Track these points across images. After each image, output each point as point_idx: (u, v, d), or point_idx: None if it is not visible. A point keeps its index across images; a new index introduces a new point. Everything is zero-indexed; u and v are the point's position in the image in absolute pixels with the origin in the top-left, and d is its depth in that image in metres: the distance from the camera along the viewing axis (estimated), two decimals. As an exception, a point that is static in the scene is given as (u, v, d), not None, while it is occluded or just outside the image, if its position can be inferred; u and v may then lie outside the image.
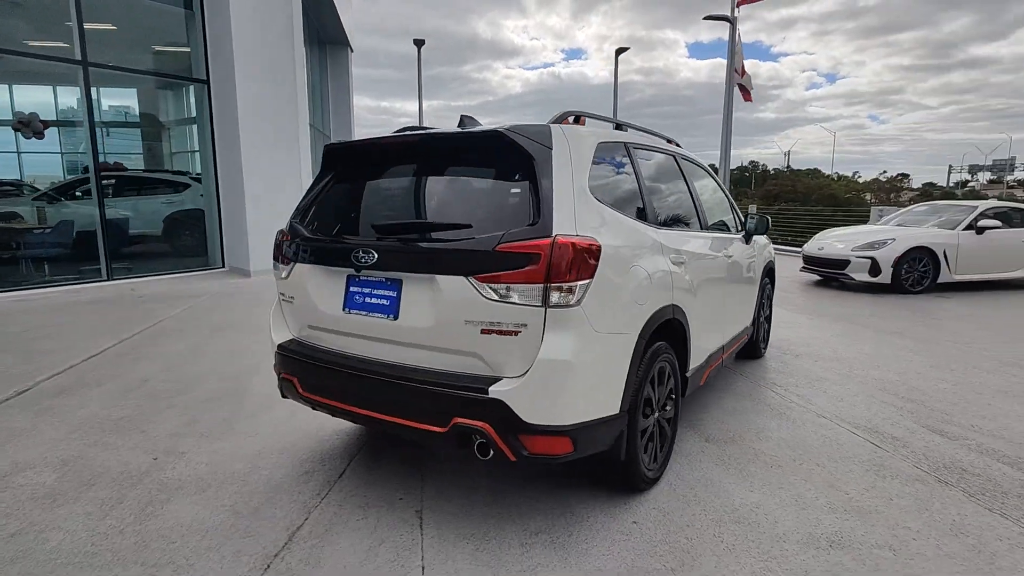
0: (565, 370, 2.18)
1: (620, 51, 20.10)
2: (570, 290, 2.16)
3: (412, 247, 2.41)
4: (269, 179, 9.46)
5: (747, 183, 60.64)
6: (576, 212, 2.31)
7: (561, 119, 2.72)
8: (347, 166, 2.92)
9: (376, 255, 2.43)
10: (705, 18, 15.76)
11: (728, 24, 16.80)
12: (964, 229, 8.73)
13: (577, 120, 2.84)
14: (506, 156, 2.39)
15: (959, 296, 8.55)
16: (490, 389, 2.19)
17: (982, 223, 8.75)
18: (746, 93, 15.60)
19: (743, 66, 15.40)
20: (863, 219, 17.07)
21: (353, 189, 2.86)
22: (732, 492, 2.83)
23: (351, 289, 2.60)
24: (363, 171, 2.83)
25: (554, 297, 2.15)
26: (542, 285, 2.14)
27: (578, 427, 2.25)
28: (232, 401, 4.02)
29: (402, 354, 2.45)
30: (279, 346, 2.87)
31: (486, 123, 2.71)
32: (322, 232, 2.78)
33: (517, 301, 2.17)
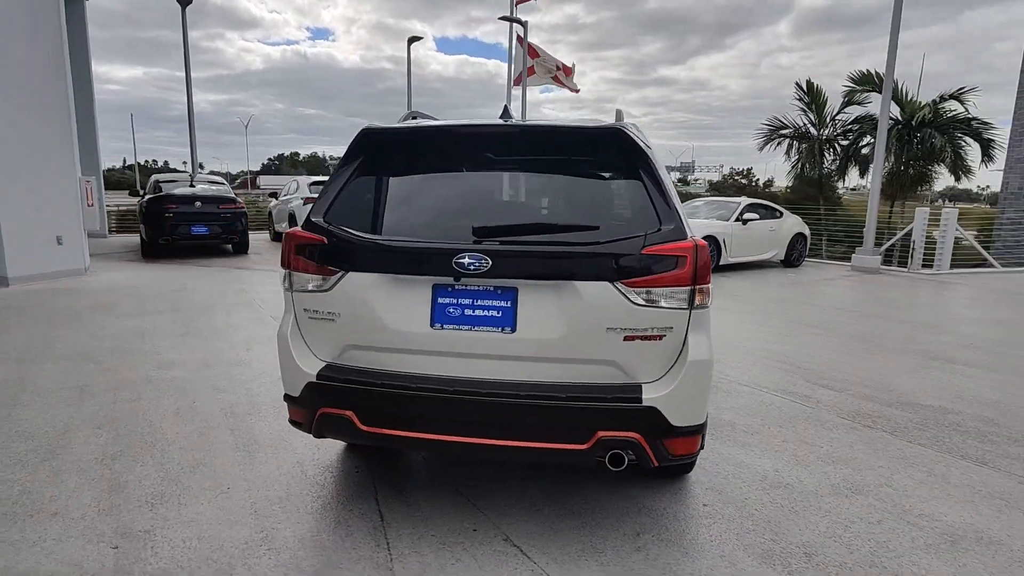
0: (707, 370, 2.24)
1: (412, 40, 19.84)
2: (705, 291, 2.22)
3: (538, 251, 2.19)
4: (30, 156, 7.24)
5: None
6: (685, 214, 2.36)
7: (619, 118, 2.72)
8: (403, 156, 2.50)
9: (490, 261, 2.15)
10: (500, 18, 16.49)
11: (509, 25, 17.81)
12: (735, 220, 10.80)
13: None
14: (619, 154, 2.32)
15: (734, 275, 10.57)
16: (643, 397, 2.14)
17: (746, 216, 10.93)
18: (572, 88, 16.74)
19: (563, 65, 16.45)
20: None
21: (419, 184, 2.47)
22: (748, 462, 3.19)
23: (440, 301, 2.25)
24: (430, 164, 2.46)
25: (697, 299, 2.19)
26: (690, 288, 2.16)
27: (704, 423, 2.33)
28: (146, 454, 3.11)
29: (521, 370, 2.22)
30: (319, 375, 2.34)
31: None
32: (378, 234, 2.33)
33: (665, 305, 2.15)
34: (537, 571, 2.25)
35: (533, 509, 2.67)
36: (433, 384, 2.22)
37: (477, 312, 2.23)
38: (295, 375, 2.41)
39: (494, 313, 2.22)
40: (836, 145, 15.49)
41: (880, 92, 14.46)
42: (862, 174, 15.35)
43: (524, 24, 16.15)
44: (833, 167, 15.81)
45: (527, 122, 2.50)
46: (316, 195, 12.98)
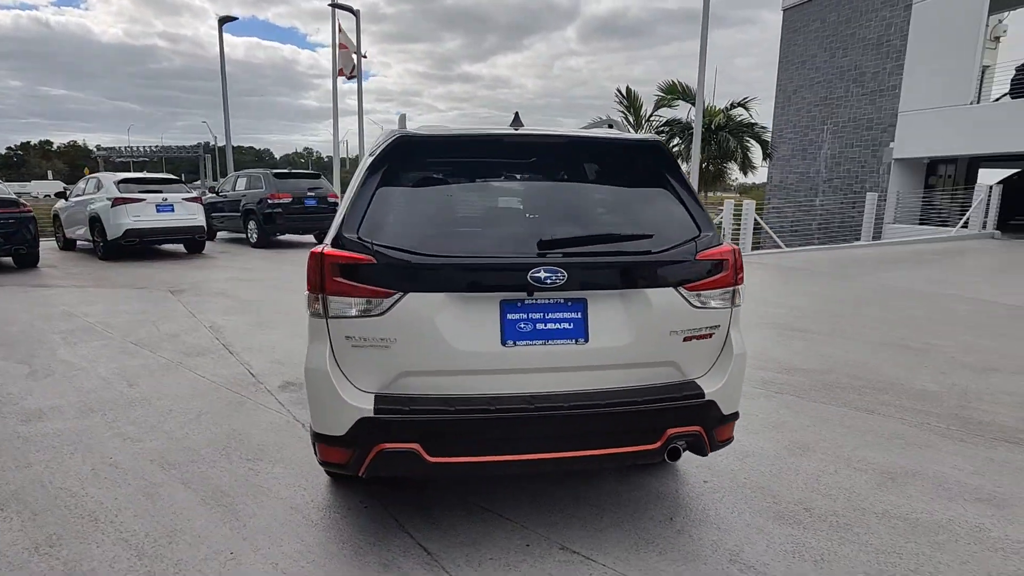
0: (745, 361, 2.49)
1: (224, 20, 17.65)
2: (740, 291, 2.47)
3: (609, 261, 2.25)
4: None
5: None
6: None
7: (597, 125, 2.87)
8: (442, 165, 2.39)
9: (566, 274, 2.15)
10: (330, 5, 15.53)
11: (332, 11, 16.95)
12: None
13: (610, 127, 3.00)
14: (656, 164, 2.46)
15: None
16: (705, 392, 2.32)
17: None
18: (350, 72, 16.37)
19: (348, 44, 15.98)
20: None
21: (461, 195, 2.37)
22: (713, 437, 3.57)
23: (510, 317, 2.20)
24: (471, 173, 2.39)
25: (736, 298, 2.42)
26: (732, 288, 2.39)
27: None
28: (95, 530, 2.54)
29: (593, 379, 2.27)
30: (377, 408, 2.13)
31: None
32: (429, 250, 2.18)
33: (714, 305, 2.35)
34: (611, 571, 2.32)
35: (567, 514, 2.72)
36: (513, 403, 2.17)
37: (549, 326, 2.22)
38: (339, 412, 2.16)
39: (566, 325, 2.22)
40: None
41: (684, 100, 16.71)
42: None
43: (356, 13, 15.43)
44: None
45: (570, 132, 2.53)
46: (128, 195, 11.28)
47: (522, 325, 2.21)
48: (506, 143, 2.43)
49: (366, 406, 2.14)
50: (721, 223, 13.31)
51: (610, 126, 2.99)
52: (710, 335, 2.38)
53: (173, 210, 11.44)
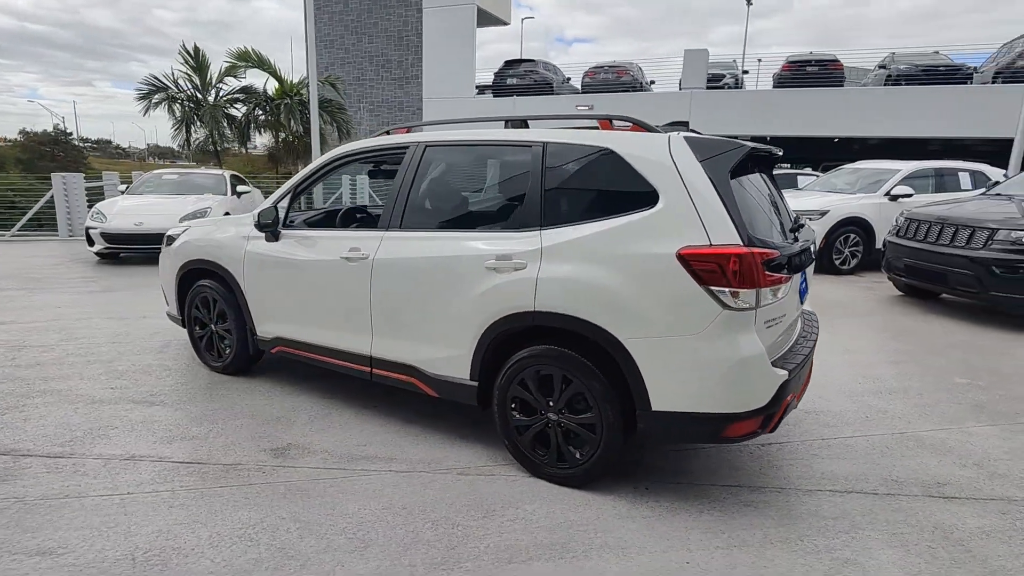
0: None
1: None
2: None
3: (808, 240, 3.22)
4: None
5: None
6: None
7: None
8: (745, 168, 2.88)
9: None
10: None
11: None
12: (232, 195, 10.13)
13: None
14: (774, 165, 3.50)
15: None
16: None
17: (239, 189, 10.39)
18: None
19: None
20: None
21: (747, 191, 2.88)
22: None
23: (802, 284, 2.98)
24: (745, 174, 2.94)
25: None
26: None
27: None
28: None
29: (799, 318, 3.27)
30: (789, 371, 2.61)
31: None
32: (766, 238, 2.72)
33: None
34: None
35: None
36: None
37: (801, 288, 3.09)
38: (769, 384, 2.54)
39: (802, 287, 3.14)
40: (228, 112, 15.59)
41: (260, 69, 15.72)
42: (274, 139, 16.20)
43: None
44: (232, 133, 15.81)
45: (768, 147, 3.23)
46: None
47: (803, 286, 3.02)
48: (759, 151, 3.02)
49: (782, 371, 2.57)
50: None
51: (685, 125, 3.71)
52: None
53: None
